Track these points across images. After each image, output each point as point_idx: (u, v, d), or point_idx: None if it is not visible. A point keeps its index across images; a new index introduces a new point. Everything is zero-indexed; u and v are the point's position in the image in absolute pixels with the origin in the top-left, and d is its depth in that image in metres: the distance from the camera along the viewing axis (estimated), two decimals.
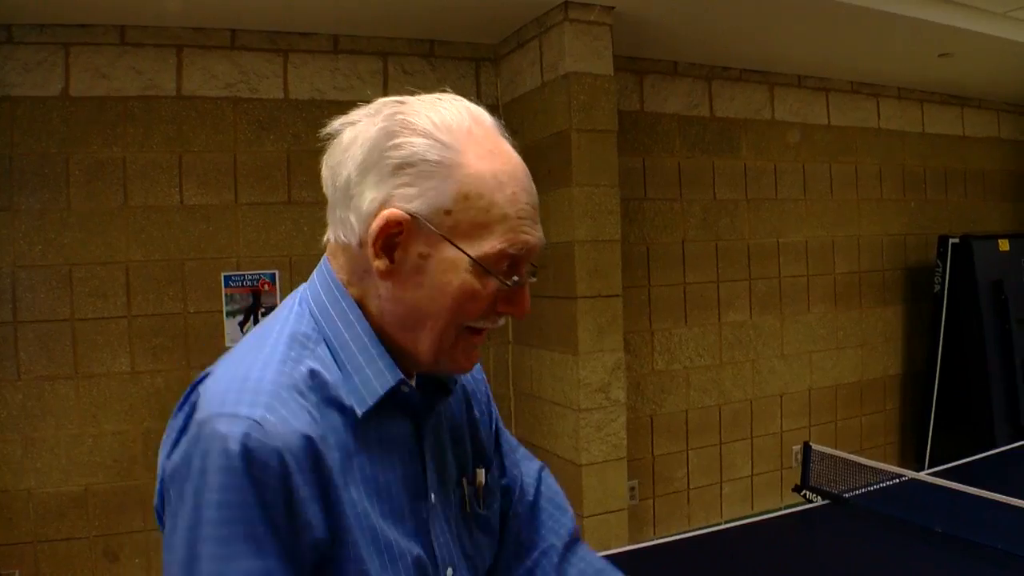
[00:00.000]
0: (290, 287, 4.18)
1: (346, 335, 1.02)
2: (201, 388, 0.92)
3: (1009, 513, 2.60)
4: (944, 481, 3.04)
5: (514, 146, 1.08)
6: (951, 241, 5.79)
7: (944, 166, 6.47)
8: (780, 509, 3.88)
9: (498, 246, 0.99)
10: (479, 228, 0.98)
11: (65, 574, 3.87)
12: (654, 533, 5.07)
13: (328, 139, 1.06)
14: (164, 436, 0.95)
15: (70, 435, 3.87)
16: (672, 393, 5.19)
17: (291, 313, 1.04)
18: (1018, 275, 5.78)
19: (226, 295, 4.10)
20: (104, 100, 3.94)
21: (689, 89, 5.25)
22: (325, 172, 1.05)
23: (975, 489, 2.80)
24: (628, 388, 4.43)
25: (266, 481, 0.84)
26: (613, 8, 4.08)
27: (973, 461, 3.88)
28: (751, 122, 5.49)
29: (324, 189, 1.07)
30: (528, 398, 4.59)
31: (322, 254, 1.11)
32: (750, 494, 5.50)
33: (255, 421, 0.86)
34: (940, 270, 5.86)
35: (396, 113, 1.01)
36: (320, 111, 4.29)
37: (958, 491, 2.88)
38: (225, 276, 4.09)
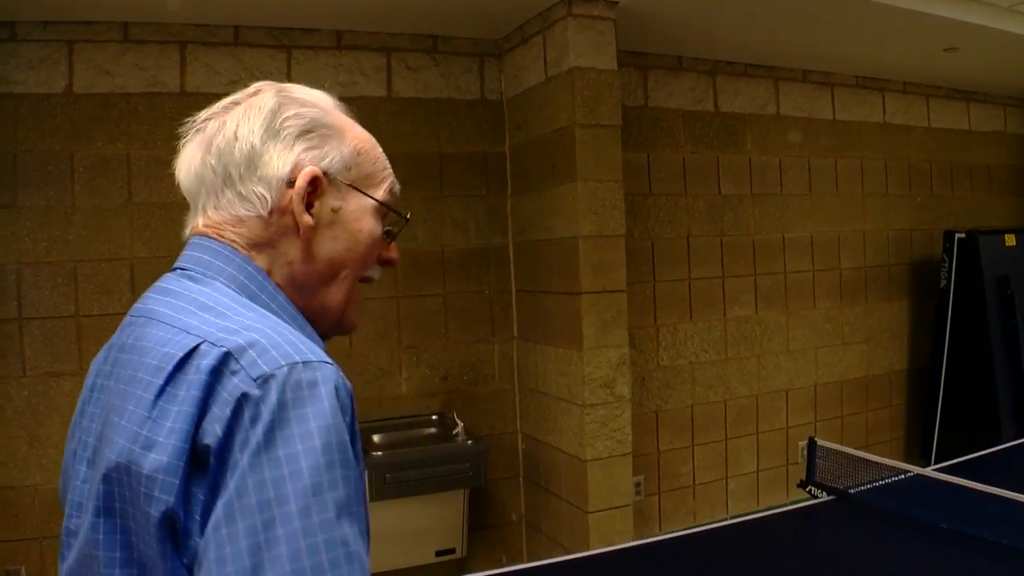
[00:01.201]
0: None
1: (277, 306, 1.06)
2: (237, 349, 0.90)
3: (1016, 509, 2.59)
4: (950, 477, 3.04)
5: None
6: (957, 236, 5.77)
7: (950, 161, 6.45)
8: (785, 505, 3.88)
9: (386, 195, 1.16)
10: (371, 179, 1.14)
11: None
12: (659, 529, 5.07)
13: (189, 130, 1.13)
14: (152, 410, 0.90)
15: None
16: (677, 389, 5.19)
17: (224, 293, 1.03)
18: None
19: None
20: (108, 97, 3.94)
21: (693, 84, 5.23)
22: (209, 158, 1.08)
23: (981, 485, 2.80)
24: (633, 384, 4.42)
25: (351, 415, 0.92)
26: (617, 3, 4.06)
27: (979, 457, 3.87)
28: (756, 117, 5.47)
29: (202, 176, 1.10)
30: (533, 394, 4.58)
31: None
32: (755, 490, 5.49)
33: (332, 364, 0.92)
34: (946, 265, 5.84)
35: (280, 91, 1.11)
36: None
37: (964, 487, 2.87)
38: None
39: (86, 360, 3.84)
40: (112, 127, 3.94)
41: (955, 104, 6.48)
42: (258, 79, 3.73)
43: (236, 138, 1.06)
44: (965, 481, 2.89)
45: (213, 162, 1.08)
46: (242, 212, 1.06)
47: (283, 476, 0.82)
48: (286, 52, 4.23)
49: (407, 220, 1.21)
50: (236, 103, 1.11)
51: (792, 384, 5.65)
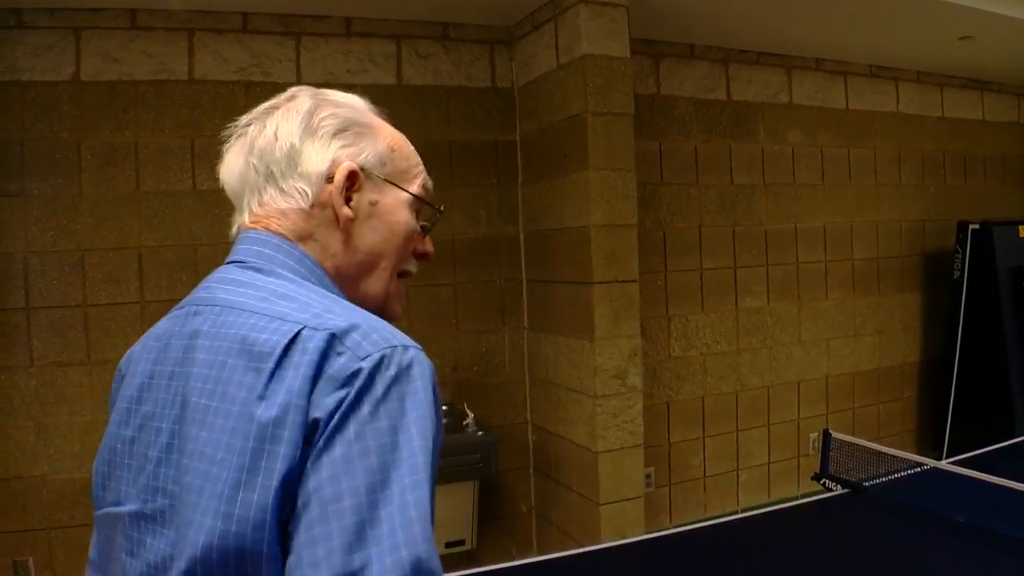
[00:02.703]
0: None
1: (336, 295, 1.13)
2: (341, 332, 0.96)
3: None
4: (966, 470, 3.00)
5: None
6: (971, 227, 5.73)
7: (963, 151, 6.40)
8: (796, 497, 3.86)
9: (420, 189, 1.22)
10: (405, 174, 1.20)
11: (79, 561, 3.87)
12: (670, 521, 5.05)
13: (233, 131, 1.20)
14: (265, 390, 0.95)
15: (84, 421, 3.86)
16: (688, 380, 5.16)
17: (294, 283, 1.09)
18: None
19: None
20: (115, 85, 3.91)
21: (706, 72, 5.19)
22: (251, 159, 1.15)
23: (998, 478, 2.77)
24: (644, 374, 4.40)
25: (436, 392, 0.99)
26: None
27: (994, 450, 3.84)
28: (768, 106, 5.43)
29: (245, 176, 1.16)
30: (543, 384, 4.55)
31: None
32: (767, 482, 5.47)
33: (420, 348, 1.00)
34: (959, 256, 5.80)
35: (315, 93, 1.18)
36: None
37: (981, 480, 2.84)
38: None
39: (94, 350, 3.84)
40: (120, 115, 3.92)
41: (969, 93, 6.43)
42: (267, 66, 3.72)
43: (276, 138, 1.13)
44: (982, 474, 2.86)
45: (255, 162, 1.15)
46: (284, 206, 1.13)
47: (387, 445, 0.90)
48: (295, 39, 4.20)
49: (441, 212, 1.28)
50: (275, 107, 1.18)
51: (804, 376, 5.62)
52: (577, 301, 4.11)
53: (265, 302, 1.03)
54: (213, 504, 0.92)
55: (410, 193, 1.20)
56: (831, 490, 3.27)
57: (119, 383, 1.18)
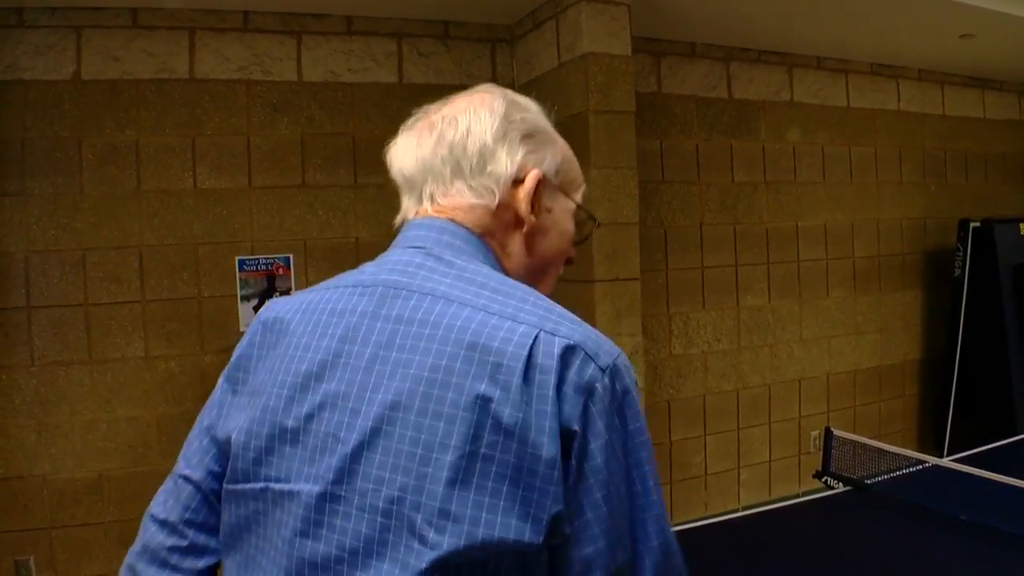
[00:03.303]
0: (305, 271, 4.18)
1: None
2: (578, 341, 0.99)
3: None
4: (968, 468, 3.00)
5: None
6: (972, 225, 5.72)
7: (965, 149, 6.39)
8: (797, 495, 3.85)
9: (582, 200, 1.26)
10: (573, 184, 1.25)
11: (80, 560, 3.87)
12: (671, 519, 5.03)
13: (414, 120, 1.21)
14: (521, 395, 0.96)
15: (84, 421, 3.86)
16: (689, 378, 5.15)
17: (491, 275, 1.11)
18: None
19: (240, 279, 4.08)
20: (116, 83, 3.91)
21: (707, 71, 5.19)
22: (440, 150, 1.16)
23: (1001, 476, 2.76)
24: (645, 373, 4.39)
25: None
26: None
27: (996, 447, 3.83)
28: (769, 104, 5.43)
29: (430, 165, 1.17)
30: None
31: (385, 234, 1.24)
32: (768, 480, 5.46)
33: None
34: (960, 254, 5.79)
35: (505, 94, 1.19)
36: (334, 93, 4.26)
37: (983, 478, 2.84)
38: (239, 260, 4.06)
39: (95, 348, 3.84)
40: (121, 114, 3.91)
41: (970, 92, 6.42)
42: (268, 65, 3.73)
43: (469, 134, 1.14)
44: (985, 472, 2.86)
45: (444, 153, 1.15)
46: (474, 201, 1.15)
47: (631, 447, 1.01)
48: (296, 38, 4.20)
49: (598, 225, 1.34)
50: (467, 104, 1.18)
51: (805, 373, 5.62)
52: (579, 299, 4.10)
53: (481, 297, 1.03)
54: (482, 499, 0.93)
55: (576, 203, 1.24)
56: (833, 488, 3.27)
57: (265, 349, 1.14)
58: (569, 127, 4.04)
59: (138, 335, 3.95)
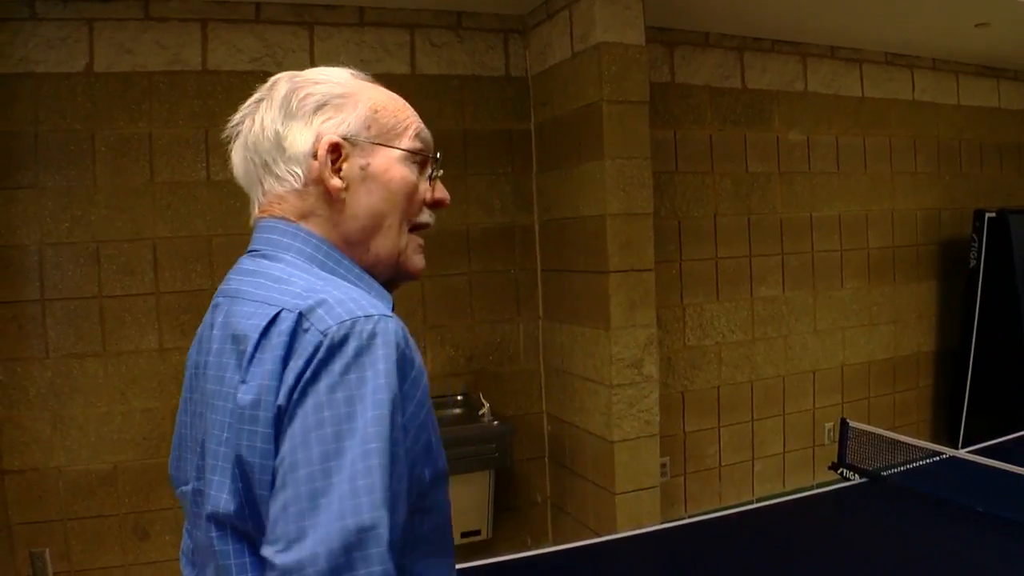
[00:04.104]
0: None
1: (343, 269, 1.19)
2: (318, 310, 1.03)
3: None
4: (984, 459, 2.98)
5: None
6: (987, 215, 5.68)
7: (979, 139, 6.34)
8: (812, 487, 3.85)
9: (411, 142, 1.24)
10: (393, 131, 1.23)
11: (95, 552, 3.88)
12: (685, 511, 5.04)
13: (232, 135, 1.25)
14: (245, 373, 1.04)
15: (99, 413, 3.87)
16: (703, 369, 5.14)
17: (294, 265, 1.16)
18: None
19: None
20: (129, 76, 3.90)
21: (720, 60, 5.16)
22: (248, 153, 1.22)
23: (1017, 468, 2.74)
24: (659, 364, 4.38)
25: (408, 360, 1.05)
26: None
27: (1012, 439, 3.81)
28: (783, 94, 5.40)
29: (248, 171, 1.23)
30: (559, 374, 4.54)
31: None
32: (782, 471, 5.45)
33: (392, 316, 1.06)
34: (976, 245, 5.75)
35: (293, 76, 1.23)
36: None
37: (999, 469, 2.82)
38: None
39: (110, 341, 3.85)
40: (133, 106, 3.91)
41: (985, 81, 6.37)
42: (280, 56, 3.72)
43: (263, 128, 1.19)
44: (1001, 463, 2.84)
45: (251, 155, 1.21)
46: (281, 190, 1.19)
47: (341, 416, 0.96)
48: (308, 29, 4.19)
49: (437, 159, 1.30)
50: (261, 99, 1.23)
51: (819, 365, 5.60)
52: (593, 290, 4.09)
53: (260, 288, 1.11)
54: (225, 481, 1.03)
55: (401, 149, 1.23)
56: (848, 479, 3.26)
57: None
58: (582, 117, 4.05)
59: (152, 327, 3.95)
